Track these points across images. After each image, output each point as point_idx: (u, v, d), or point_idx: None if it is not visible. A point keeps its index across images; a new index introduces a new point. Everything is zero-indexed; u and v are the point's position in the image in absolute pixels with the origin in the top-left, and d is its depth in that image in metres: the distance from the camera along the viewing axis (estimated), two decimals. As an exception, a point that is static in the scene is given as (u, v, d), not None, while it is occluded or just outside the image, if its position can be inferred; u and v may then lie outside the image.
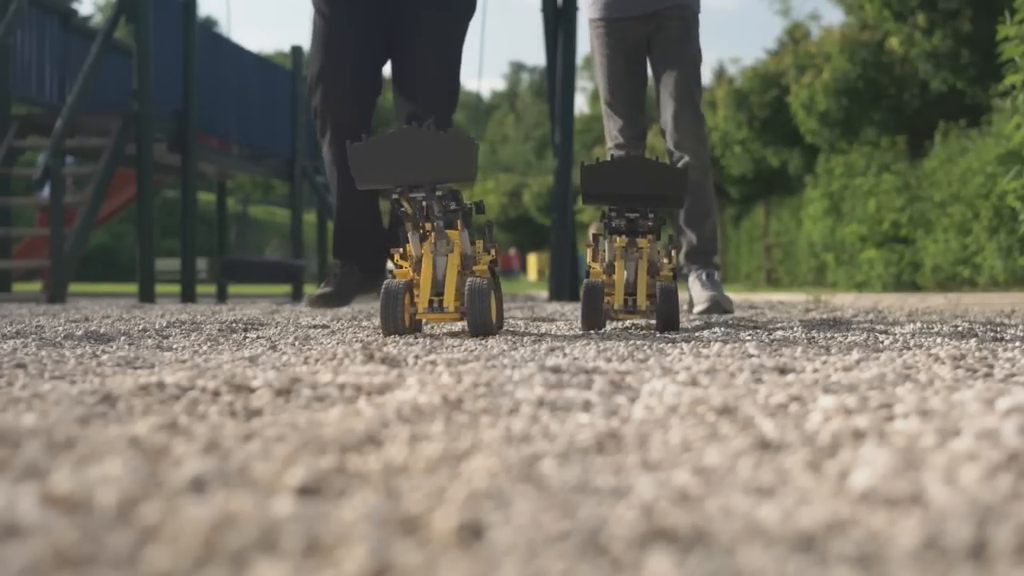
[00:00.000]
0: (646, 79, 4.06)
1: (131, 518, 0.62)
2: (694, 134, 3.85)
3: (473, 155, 2.26)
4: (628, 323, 2.93)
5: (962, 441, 0.85)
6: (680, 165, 3.73)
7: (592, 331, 2.52)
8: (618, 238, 2.69)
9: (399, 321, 2.27)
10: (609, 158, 3.67)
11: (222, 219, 10.16)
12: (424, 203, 2.31)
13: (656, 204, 2.70)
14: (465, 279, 2.33)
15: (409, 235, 2.34)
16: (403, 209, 2.32)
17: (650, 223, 2.69)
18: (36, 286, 8.57)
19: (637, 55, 4.00)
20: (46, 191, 8.09)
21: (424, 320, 2.40)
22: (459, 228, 2.33)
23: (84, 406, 1.08)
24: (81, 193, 6.54)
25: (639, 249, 2.67)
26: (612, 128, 4.03)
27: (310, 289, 8.74)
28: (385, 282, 2.30)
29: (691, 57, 3.95)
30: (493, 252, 2.44)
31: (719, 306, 3.58)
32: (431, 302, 2.28)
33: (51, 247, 6.08)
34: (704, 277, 3.78)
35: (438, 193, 2.29)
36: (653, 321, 2.82)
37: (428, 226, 2.36)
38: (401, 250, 2.38)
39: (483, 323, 2.22)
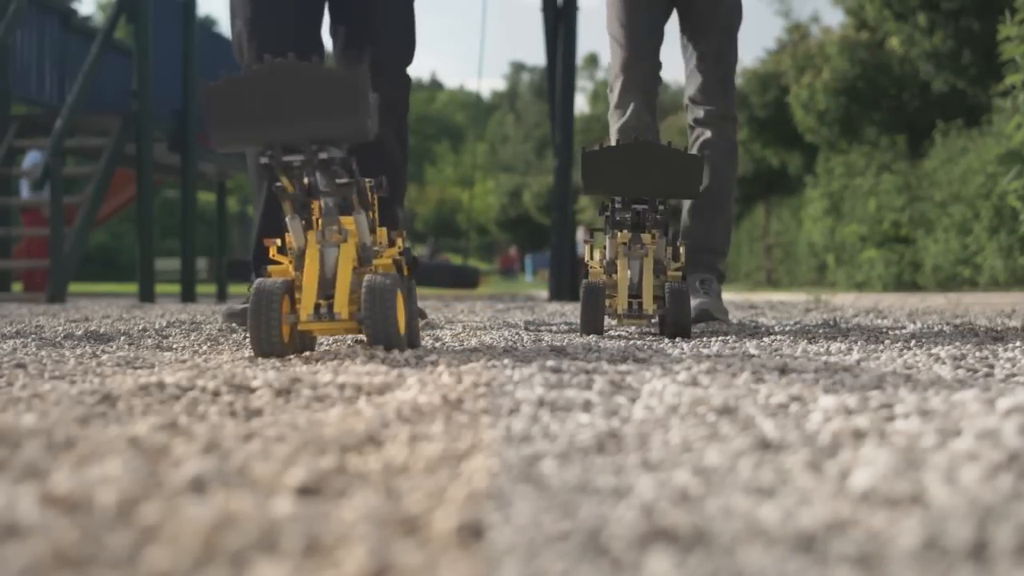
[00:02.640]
0: (668, 10, 3.28)
1: (131, 518, 0.62)
2: (720, 110, 3.21)
3: (362, 98, 1.61)
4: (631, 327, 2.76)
5: (963, 441, 0.85)
6: (700, 142, 3.21)
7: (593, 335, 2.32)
8: (620, 233, 2.41)
9: (275, 335, 1.67)
10: (614, 115, 3.17)
11: (222, 219, 10.16)
12: (304, 173, 1.71)
13: (667, 194, 2.41)
14: (363, 278, 1.73)
15: (288, 220, 1.74)
16: (279, 184, 1.71)
17: (658, 216, 2.41)
18: (18, 286, 8.54)
19: None
20: (25, 191, 8.09)
21: (313, 333, 1.80)
22: (355, 209, 1.73)
23: (84, 406, 1.08)
24: (81, 193, 6.53)
25: (644, 246, 2.38)
26: (615, 63, 3.24)
27: None
28: (256, 281, 1.70)
29: (725, 14, 3.25)
30: (400, 241, 1.86)
31: (707, 314, 2.93)
32: (317, 307, 1.68)
33: (51, 247, 6.08)
34: (698, 284, 3.09)
35: (323, 156, 1.65)
36: (654, 328, 2.61)
37: (316, 208, 1.77)
38: (279, 241, 1.82)
39: (387, 332, 1.65)
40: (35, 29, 7.39)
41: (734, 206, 3.35)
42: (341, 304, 1.67)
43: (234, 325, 2.78)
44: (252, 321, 1.66)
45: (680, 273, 2.43)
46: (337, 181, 1.69)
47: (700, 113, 3.23)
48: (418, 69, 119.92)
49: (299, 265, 1.74)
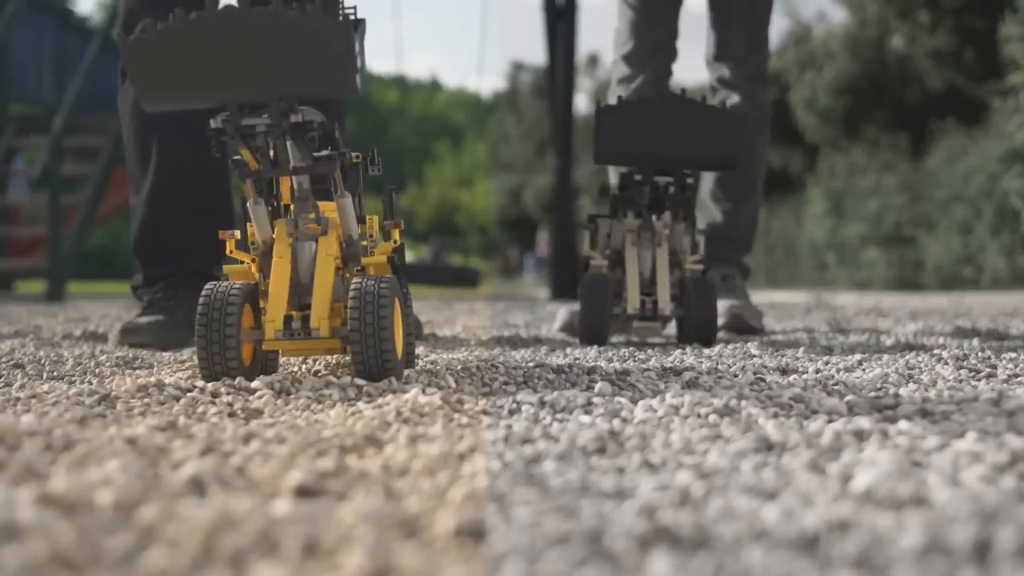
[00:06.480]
0: None
1: (130, 519, 0.61)
2: (752, 70, 2.63)
3: (348, 41, 1.22)
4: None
5: (965, 442, 0.84)
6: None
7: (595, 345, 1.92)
8: (628, 216, 1.99)
9: (231, 356, 1.29)
10: (615, 92, 2.57)
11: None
12: (271, 141, 1.29)
13: (699, 165, 2.00)
14: (350, 282, 1.32)
15: (250, 205, 1.34)
16: (237, 158, 1.32)
17: (679, 194, 1.98)
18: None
19: None
20: (21, 190, 8.09)
21: (283, 354, 1.48)
22: (337, 190, 1.35)
23: (82, 407, 1.08)
24: (80, 192, 6.54)
25: (656, 233, 1.98)
26: (623, 26, 2.64)
27: None
28: (207, 287, 1.31)
29: None
30: (397, 234, 1.48)
31: (740, 320, 2.39)
32: (288, 322, 1.29)
33: (50, 246, 6.08)
34: (720, 279, 2.55)
35: (295, 118, 1.26)
36: (663, 336, 2.23)
37: (285, 190, 1.38)
38: (238, 233, 1.42)
39: (380, 360, 1.26)
40: (33, 28, 7.40)
41: (762, 189, 2.76)
42: (320, 317, 1.28)
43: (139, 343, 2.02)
44: (201, 337, 1.28)
45: (700, 266, 2.05)
46: (315, 154, 1.31)
47: (725, 72, 2.64)
48: (418, 69, 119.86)
49: (265, 265, 1.36)
